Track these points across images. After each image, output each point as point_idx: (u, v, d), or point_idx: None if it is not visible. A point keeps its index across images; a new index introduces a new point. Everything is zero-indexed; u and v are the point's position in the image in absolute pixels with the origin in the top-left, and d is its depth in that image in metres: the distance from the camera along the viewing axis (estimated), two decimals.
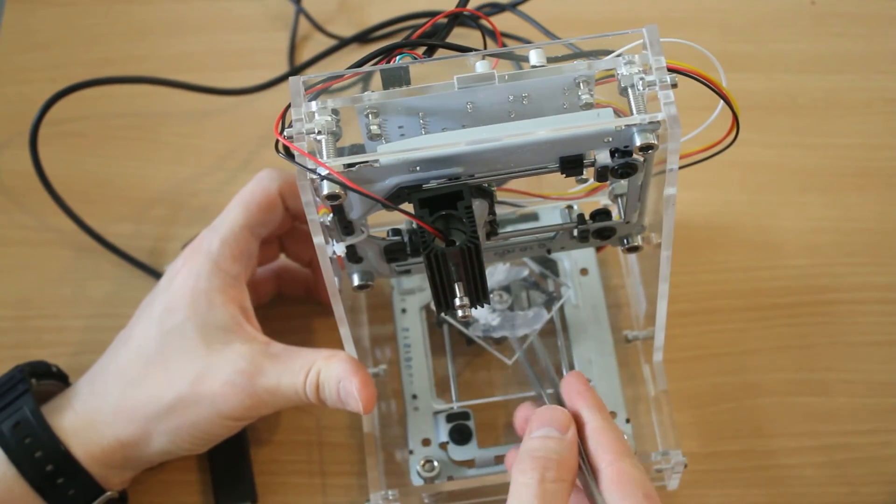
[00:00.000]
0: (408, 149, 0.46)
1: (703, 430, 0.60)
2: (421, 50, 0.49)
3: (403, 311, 0.62)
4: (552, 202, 0.57)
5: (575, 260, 0.63)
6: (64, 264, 0.66)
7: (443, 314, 0.57)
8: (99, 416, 0.54)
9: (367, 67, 0.47)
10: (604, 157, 0.48)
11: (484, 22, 0.53)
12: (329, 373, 0.53)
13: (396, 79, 0.47)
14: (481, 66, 0.47)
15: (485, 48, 0.48)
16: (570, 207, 0.57)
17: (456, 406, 0.59)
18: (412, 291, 0.62)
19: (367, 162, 0.45)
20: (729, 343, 0.62)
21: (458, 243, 0.46)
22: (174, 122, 0.71)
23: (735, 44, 0.73)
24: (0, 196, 0.68)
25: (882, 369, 0.61)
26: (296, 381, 0.53)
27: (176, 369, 0.53)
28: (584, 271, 0.63)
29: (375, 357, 0.62)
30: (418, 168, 0.46)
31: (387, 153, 0.46)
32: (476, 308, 0.50)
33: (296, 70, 0.73)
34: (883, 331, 0.62)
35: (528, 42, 0.69)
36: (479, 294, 0.49)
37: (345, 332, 0.52)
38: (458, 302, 0.48)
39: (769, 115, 0.70)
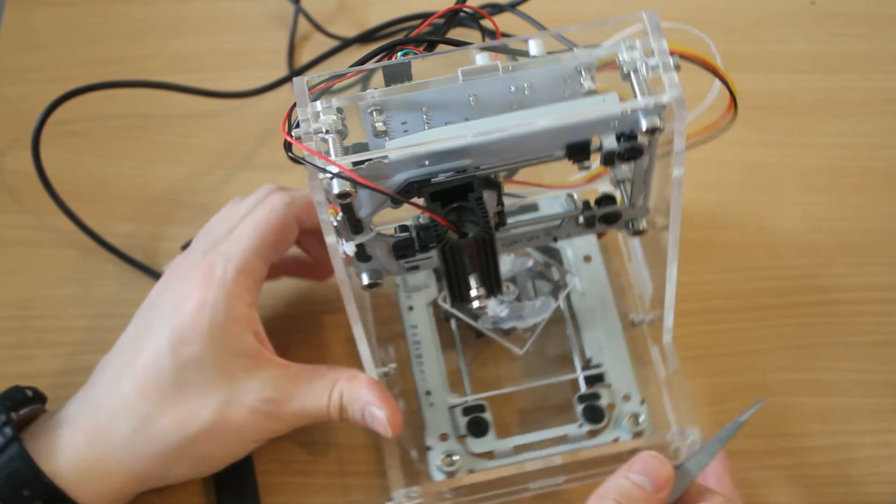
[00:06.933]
0: (417, 143, 0.46)
1: (703, 429, 0.59)
2: (421, 48, 0.49)
3: (410, 308, 0.62)
4: (552, 193, 0.58)
5: (577, 248, 0.63)
6: (65, 264, 0.66)
7: (453, 308, 0.58)
8: (107, 453, 0.52)
9: (369, 65, 0.47)
10: (610, 142, 0.48)
11: (484, 21, 0.53)
12: (354, 396, 0.54)
13: (399, 75, 0.48)
14: (481, 60, 0.47)
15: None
16: (570, 196, 0.58)
17: (470, 399, 0.58)
18: (418, 288, 0.62)
19: (377, 158, 0.45)
20: (729, 343, 0.62)
21: (470, 235, 0.47)
22: (174, 123, 0.71)
23: (735, 44, 0.73)
24: (1, 196, 0.68)
25: (882, 369, 0.61)
26: (320, 404, 0.54)
27: (196, 402, 0.52)
28: (587, 258, 0.63)
29: (384, 356, 0.62)
30: (427, 162, 0.46)
31: (396, 148, 0.46)
32: (491, 298, 0.50)
33: (296, 72, 0.72)
34: (883, 331, 0.63)
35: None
36: (493, 284, 0.49)
37: (358, 331, 0.52)
38: (473, 293, 0.49)
39: (769, 115, 0.70)
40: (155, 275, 0.65)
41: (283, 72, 0.73)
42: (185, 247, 0.64)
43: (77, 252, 0.66)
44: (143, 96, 0.71)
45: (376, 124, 0.47)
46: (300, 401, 0.54)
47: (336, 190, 0.45)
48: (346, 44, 0.73)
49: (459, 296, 0.50)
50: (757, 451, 0.59)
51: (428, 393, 0.59)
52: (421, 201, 0.47)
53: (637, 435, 0.57)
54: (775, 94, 0.71)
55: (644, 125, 0.46)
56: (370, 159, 0.45)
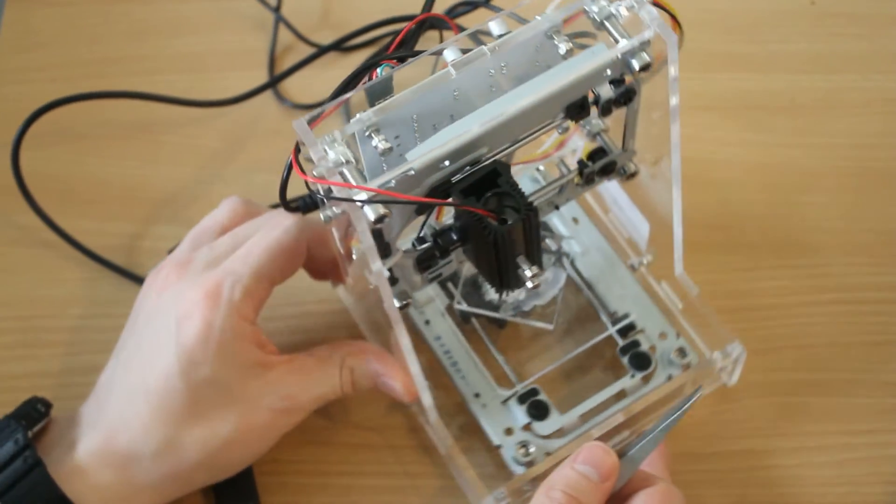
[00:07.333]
0: (435, 147, 0.46)
1: (703, 430, 0.60)
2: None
3: (427, 322, 0.61)
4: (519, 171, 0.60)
5: (563, 214, 0.64)
6: (64, 264, 0.66)
7: (470, 307, 0.59)
8: (131, 475, 0.51)
9: (351, 92, 0.47)
10: (607, 91, 0.49)
11: (457, 20, 0.54)
12: (364, 370, 0.55)
13: (382, 91, 0.47)
14: (451, 54, 0.48)
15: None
16: (538, 170, 0.60)
17: (520, 388, 0.59)
18: (429, 300, 0.62)
19: (403, 172, 0.45)
20: None
21: (510, 221, 0.47)
22: (172, 124, 0.71)
23: (735, 44, 0.73)
24: (1, 196, 0.68)
25: (882, 369, 0.61)
26: (334, 385, 0.55)
27: (216, 419, 0.52)
28: (575, 220, 0.64)
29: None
30: (447, 162, 0.47)
31: (419, 157, 0.46)
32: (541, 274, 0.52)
33: (276, 78, 0.72)
34: (883, 331, 0.62)
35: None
36: (538, 260, 0.50)
37: (412, 359, 0.52)
38: (529, 273, 0.49)
39: (769, 115, 0.70)
40: (136, 279, 0.65)
41: (263, 81, 0.72)
42: (173, 251, 0.64)
43: (77, 252, 0.66)
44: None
45: (379, 144, 0.46)
46: (314, 388, 0.54)
47: (372, 217, 0.44)
48: (322, 51, 0.73)
49: (508, 282, 0.51)
50: (756, 451, 0.59)
51: (477, 395, 0.59)
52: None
53: (686, 367, 0.59)
54: (775, 94, 0.71)
55: (636, 65, 0.48)
56: (398, 175, 0.45)
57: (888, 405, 0.60)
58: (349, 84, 0.48)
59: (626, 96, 0.50)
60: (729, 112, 0.70)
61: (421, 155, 0.46)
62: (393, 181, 0.45)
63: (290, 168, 0.47)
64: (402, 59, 0.48)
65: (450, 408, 0.60)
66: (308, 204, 0.54)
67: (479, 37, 0.49)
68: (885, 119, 0.70)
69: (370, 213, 0.45)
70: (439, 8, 0.56)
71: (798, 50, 0.73)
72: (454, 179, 0.48)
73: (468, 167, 0.48)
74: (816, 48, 0.73)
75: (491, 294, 0.60)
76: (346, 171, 0.45)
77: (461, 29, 0.51)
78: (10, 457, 0.50)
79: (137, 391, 0.52)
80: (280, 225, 0.54)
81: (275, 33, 0.75)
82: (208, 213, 0.66)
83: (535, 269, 0.50)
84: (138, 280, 0.64)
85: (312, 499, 0.59)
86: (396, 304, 0.52)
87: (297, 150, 0.46)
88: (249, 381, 0.52)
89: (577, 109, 0.49)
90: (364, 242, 0.46)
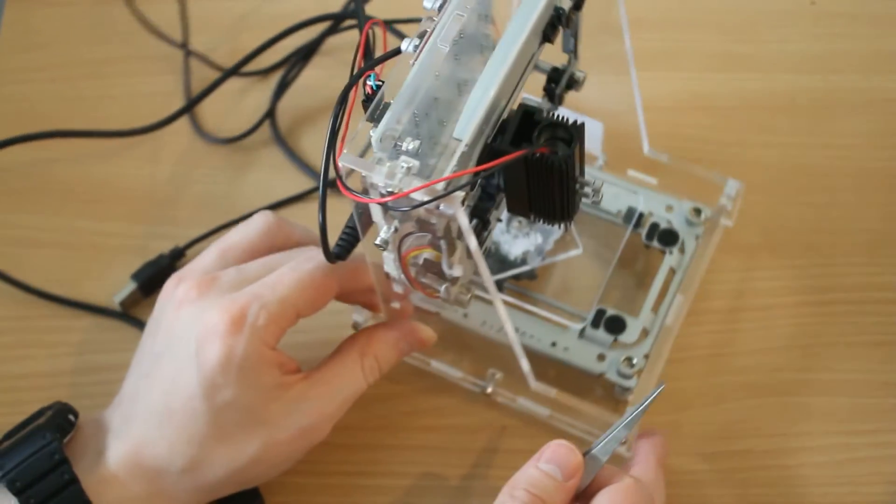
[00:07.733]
0: (472, 112, 0.46)
1: (703, 430, 0.60)
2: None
3: (465, 315, 0.61)
4: None
5: None
6: (64, 263, 0.66)
7: (498, 274, 0.61)
8: (158, 488, 0.52)
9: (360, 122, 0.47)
10: (566, 2, 0.52)
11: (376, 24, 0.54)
12: (387, 348, 0.56)
13: (378, 102, 0.47)
14: (407, 44, 0.48)
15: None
16: (529, 101, 0.61)
17: (589, 316, 0.60)
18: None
19: (462, 151, 0.46)
20: (729, 343, 0.62)
21: (561, 153, 0.48)
22: (170, 125, 0.71)
23: (735, 44, 0.73)
24: (3, 196, 0.68)
25: (882, 369, 0.61)
26: (359, 384, 0.55)
27: (240, 440, 0.52)
28: None
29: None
30: (484, 127, 0.47)
31: (466, 131, 0.46)
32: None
33: (192, 101, 0.70)
34: (883, 331, 0.62)
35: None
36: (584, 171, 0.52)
37: (510, 326, 0.52)
38: (594, 186, 0.50)
39: (769, 115, 0.70)
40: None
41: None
42: (135, 276, 0.64)
43: (78, 252, 0.66)
44: (139, 95, 0.71)
45: (410, 146, 0.46)
46: (337, 396, 0.54)
47: (458, 201, 0.45)
48: (225, 75, 0.71)
49: (573, 208, 0.51)
50: (757, 451, 0.59)
51: (554, 344, 0.60)
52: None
53: (707, 220, 0.62)
54: (775, 94, 0.71)
55: None
56: (458, 156, 0.45)
57: (888, 405, 0.60)
58: (342, 102, 0.47)
59: (579, 2, 0.52)
60: (729, 112, 0.70)
61: (465, 128, 0.46)
62: (456, 163, 0.45)
63: (324, 211, 0.47)
64: (372, 68, 0.48)
65: (513, 383, 0.60)
66: (345, 248, 0.53)
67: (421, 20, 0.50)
68: (885, 119, 0.70)
69: (457, 199, 0.45)
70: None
71: (798, 50, 0.73)
72: (491, 141, 0.49)
73: (496, 122, 0.49)
74: (816, 48, 0.73)
75: (513, 253, 0.62)
76: (411, 178, 0.45)
77: (383, 22, 0.50)
78: (46, 471, 0.50)
79: (161, 411, 0.52)
80: (315, 258, 0.53)
81: (186, 66, 0.73)
82: (204, 213, 0.66)
83: (595, 181, 0.51)
84: (101, 311, 0.64)
85: (313, 499, 0.59)
86: (465, 298, 0.52)
87: (343, 182, 0.46)
88: (271, 404, 0.52)
89: (551, 29, 0.51)
90: (463, 223, 0.46)
